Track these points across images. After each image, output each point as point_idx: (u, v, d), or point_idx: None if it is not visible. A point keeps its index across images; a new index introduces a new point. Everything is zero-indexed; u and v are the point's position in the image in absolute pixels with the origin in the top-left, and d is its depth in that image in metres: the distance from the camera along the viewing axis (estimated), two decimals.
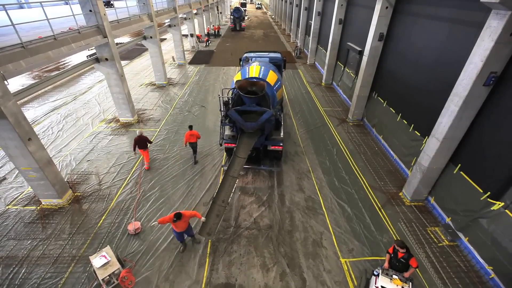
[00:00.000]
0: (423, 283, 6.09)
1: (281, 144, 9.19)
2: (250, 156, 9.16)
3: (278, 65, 12.16)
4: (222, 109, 8.48)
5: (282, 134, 9.47)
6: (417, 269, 5.84)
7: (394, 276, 5.17)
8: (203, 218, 6.43)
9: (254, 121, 7.73)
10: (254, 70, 9.07)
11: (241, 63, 12.52)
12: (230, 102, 8.30)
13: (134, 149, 9.40)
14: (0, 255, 6.64)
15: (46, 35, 7.92)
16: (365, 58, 11.75)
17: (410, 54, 9.61)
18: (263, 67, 9.29)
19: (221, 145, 9.15)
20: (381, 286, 5.07)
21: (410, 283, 5.11)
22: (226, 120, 8.68)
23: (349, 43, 14.93)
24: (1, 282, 6.03)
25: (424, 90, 8.78)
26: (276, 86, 9.00)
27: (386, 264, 5.57)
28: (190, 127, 9.71)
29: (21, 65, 6.80)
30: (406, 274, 5.28)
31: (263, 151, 9.47)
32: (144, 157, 9.83)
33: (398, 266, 5.38)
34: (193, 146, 9.84)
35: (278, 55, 12.75)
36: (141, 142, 9.36)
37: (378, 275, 5.30)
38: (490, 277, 6.06)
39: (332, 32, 16.66)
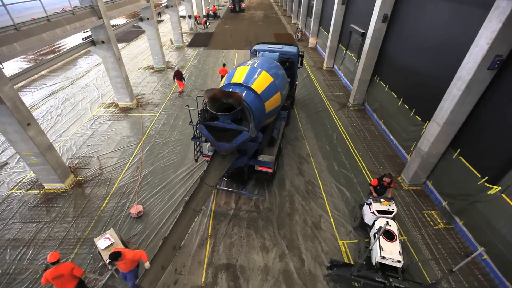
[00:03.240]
0: (418, 265, 6.31)
1: (271, 166, 7.53)
2: (228, 176, 8.07)
3: (291, 62, 10.43)
4: (192, 122, 6.87)
5: (275, 153, 7.68)
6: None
7: (382, 200, 6.50)
8: (147, 264, 5.13)
9: (230, 140, 6.10)
10: (238, 75, 7.12)
11: (250, 56, 11.26)
12: (204, 109, 6.46)
13: (174, 79, 14.02)
14: (7, 237, 6.83)
15: (39, 17, 7.67)
16: (368, 41, 11.45)
17: (414, 36, 9.35)
18: (254, 68, 7.33)
19: (196, 160, 7.63)
20: (376, 210, 6.32)
21: (392, 200, 6.54)
22: (200, 135, 6.90)
23: (351, 25, 14.49)
24: (10, 262, 6.25)
25: (427, 74, 8.63)
26: (265, 92, 6.91)
27: (374, 194, 6.72)
28: (224, 65, 14.07)
29: (15, 47, 6.65)
30: (389, 195, 6.71)
31: (248, 170, 7.71)
32: (180, 85, 14.34)
33: (381, 191, 6.78)
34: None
35: (293, 49, 10.66)
36: (178, 75, 13.93)
37: (370, 203, 6.51)
38: (483, 258, 6.26)
39: (334, 13, 16.12)
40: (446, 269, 6.17)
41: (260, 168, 7.64)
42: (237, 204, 7.83)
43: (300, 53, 11.14)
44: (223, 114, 5.98)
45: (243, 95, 6.41)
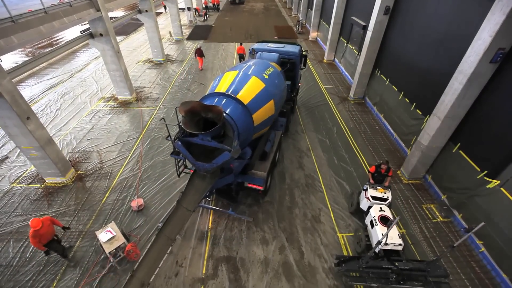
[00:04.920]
0: (415, 257, 6.38)
1: (262, 184, 6.79)
2: (216, 193, 7.27)
3: (293, 63, 9.60)
4: (170, 137, 5.74)
5: (267, 168, 6.91)
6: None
7: (378, 187, 6.73)
8: None
9: (213, 157, 5.33)
10: (224, 81, 6.31)
11: (248, 55, 10.43)
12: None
13: (195, 55, 16.14)
14: (10, 230, 6.90)
15: (36, 9, 7.56)
16: (369, 34, 11.31)
17: (416, 29, 9.23)
18: (243, 74, 6.52)
19: (178, 176, 6.53)
20: (371, 196, 6.59)
21: (389, 189, 6.75)
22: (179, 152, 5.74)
23: (353, 17, 14.30)
24: (13, 255, 6.33)
25: (429, 67, 8.56)
26: (254, 102, 6.09)
27: (372, 181, 7.00)
28: (241, 43, 15.95)
29: (12, 40, 6.57)
30: (386, 183, 6.95)
31: (236, 188, 7.05)
32: (200, 62, 16.19)
33: (379, 179, 7.00)
34: (241, 56, 15.58)
35: (295, 49, 9.80)
36: (199, 52, 15.95)
37: (367, 189, 6.76)
38: (480, 250, 6.33)
39: (335, 5, 15.88)
40: (441, 249, 6.26)
41: (250, 185, 6.97)
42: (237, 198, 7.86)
43: (304, 53, 10.35)
44: (198, 133, 5.10)
45: (230, 108, 5.68)
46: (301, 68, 10.59)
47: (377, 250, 5.71)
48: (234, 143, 5.26)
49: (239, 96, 5.91)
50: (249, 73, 6.66)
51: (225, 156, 5.19)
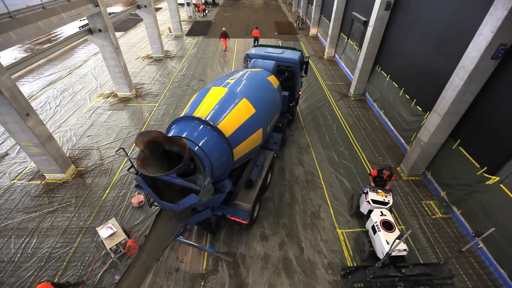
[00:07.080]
0: (414, 253, 6.42)
1: (245, 218, 5.83)
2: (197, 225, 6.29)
3: (292, 71, 8.68)
4: (135, 167, 4.59)
5: (253, 200, 6.09)
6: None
7: (379, 190, 6.61)
8: None
9: (183, 194, 4.44)
10: (206, 103, 5.27)
11: (243, 61, 9.46)
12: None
13: (220, 38, 18.35)
14: (11, 226, 6.93)
15: (33, 4, 7.49)
16: (370, 29, 11.23)
17: (417, 25, 9.16)
18: (231, 94, 5.51)
19: (150, 206, 5.57)
20: (371, 199, 6.43)
21: (390, 192, 6.63)
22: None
23: (353, 13, 14.17)
24: (15, 251, 6.37)
25: (430, 63, 8.51)
26: (239, 133, 5.20)
27: (372, 184, 6.90)
28: (257, 27, 18.73)
29: (10, 36, 6.53)
30: (387, 187, 6.85)
31: (216, 221, 6.39)
32: (224, 43, 18.57)
33: (381, 183, 6.87)
34: (256, 38, 18.34)
35: (294, 55, 8.78)
36: (224, 34, 17.97)
37: (367, 192, 6.62)
38: (479, 246, 6.37)
39: (336, 0, 15.73)
40: (448, 251, 6.30)
41: (232, 218, 5.97)
42: None
43: (305, 59, 9.43)
44: (152, 175, 3.89)
45: (202, 139, 4.68)
46: (302, 75, 9.81)
47: (381, 256, 5.56)
48: (204, 182, 4.25)
49: (220, 125, 4.90)
50: (236, 92, 5.61)
51: (192, 199, 4.26)
